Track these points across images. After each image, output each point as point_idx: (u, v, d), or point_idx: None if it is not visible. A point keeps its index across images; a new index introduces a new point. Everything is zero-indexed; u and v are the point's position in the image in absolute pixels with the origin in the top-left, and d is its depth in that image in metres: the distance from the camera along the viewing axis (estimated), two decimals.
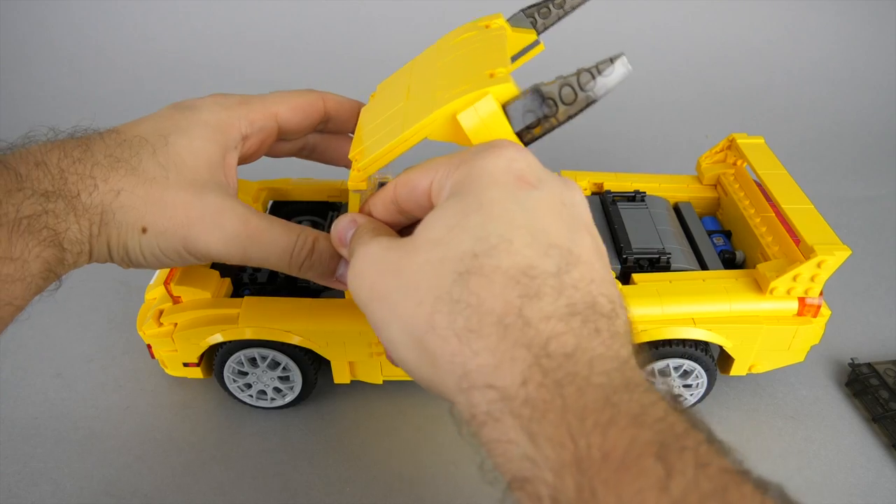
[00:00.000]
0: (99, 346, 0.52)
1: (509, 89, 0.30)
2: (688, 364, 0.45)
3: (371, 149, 0.34)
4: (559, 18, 0.42)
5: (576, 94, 0.28)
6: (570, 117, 0.29)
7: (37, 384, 0.49)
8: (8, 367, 0.50)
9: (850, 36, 1.01)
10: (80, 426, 0.46)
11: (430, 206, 0.28)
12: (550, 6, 0.41)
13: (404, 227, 0.33)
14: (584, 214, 0.27)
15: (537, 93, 0.29)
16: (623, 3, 1.01)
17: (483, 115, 0.30)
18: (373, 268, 0.26)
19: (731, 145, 0.55)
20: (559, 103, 0.28)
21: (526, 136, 0.30)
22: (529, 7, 0.42)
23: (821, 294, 0.44)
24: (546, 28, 0.42)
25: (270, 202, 0.56)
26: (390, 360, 0.27)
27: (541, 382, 0.20)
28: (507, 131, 0.30)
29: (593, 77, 0.28)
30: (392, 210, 0.31)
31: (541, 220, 0.25)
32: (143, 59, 0.96)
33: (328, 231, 0.36)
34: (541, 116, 0.29)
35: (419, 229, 0.26)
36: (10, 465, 0.43)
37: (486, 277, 0.23)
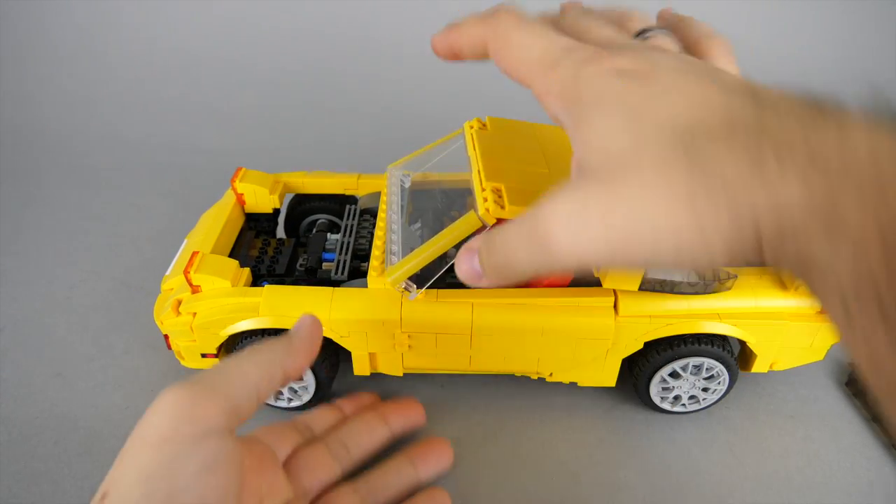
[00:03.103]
0: (99, 346, 0.52)
1: None
2: (708, 362, 0.44)
3: (519, 199, 0.35)
4: None
5: None
6: None
7: (37, 384, 0.49)
8: (8, 367, 0.50)
9: (849, 36, 1.01)
10: (80, 426, 0.45)
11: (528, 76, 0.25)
12: None
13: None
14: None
15: None
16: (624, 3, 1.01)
17: None
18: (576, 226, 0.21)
19: None
20: None
21: None
22: None
23: None
24: None
25: (287, 196, 0.56)
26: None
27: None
28: None
29: None
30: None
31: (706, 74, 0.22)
32: (143, 59, 0.96)
33: (344, 225, 0.32)
34: None
35: (584, 161, 0.22)
36: (10, 465, 0.43)
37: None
